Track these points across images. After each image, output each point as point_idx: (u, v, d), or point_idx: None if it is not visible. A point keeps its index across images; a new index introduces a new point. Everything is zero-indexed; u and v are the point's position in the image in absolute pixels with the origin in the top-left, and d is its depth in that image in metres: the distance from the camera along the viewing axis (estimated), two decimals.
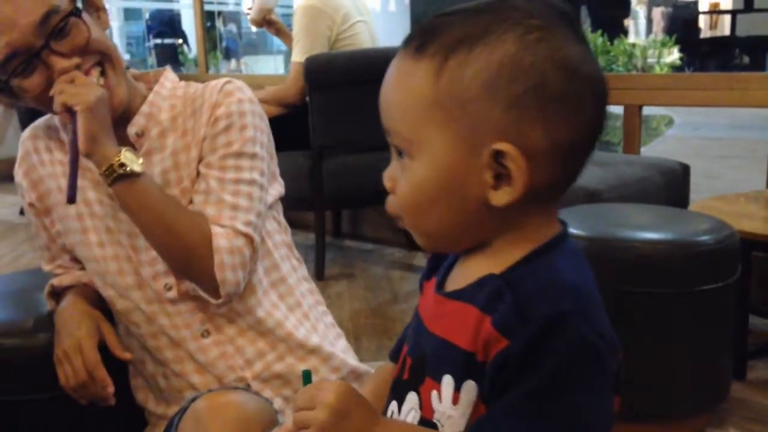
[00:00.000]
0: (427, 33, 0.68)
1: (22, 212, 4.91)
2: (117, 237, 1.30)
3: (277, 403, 1.26)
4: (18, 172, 1.38)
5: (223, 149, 1.27)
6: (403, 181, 0.70)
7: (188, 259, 1.22)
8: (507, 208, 0.67)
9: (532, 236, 0.69)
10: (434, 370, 0.70)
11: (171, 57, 10.89)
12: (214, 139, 1.28)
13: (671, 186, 3.01)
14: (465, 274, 0.72)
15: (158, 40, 10.82)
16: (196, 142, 1.29)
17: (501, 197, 0.66)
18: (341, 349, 1.39)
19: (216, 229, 1.22)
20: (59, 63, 1.19)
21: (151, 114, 1.31)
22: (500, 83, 0.64)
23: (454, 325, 0.69)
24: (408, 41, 0.70)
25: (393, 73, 0.71)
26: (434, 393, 0.69)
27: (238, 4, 15.98)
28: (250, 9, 3.71)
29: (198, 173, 1.29)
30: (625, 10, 12.28)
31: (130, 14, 15.21)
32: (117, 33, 13.35)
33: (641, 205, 2.40)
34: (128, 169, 1.17)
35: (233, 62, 11.80)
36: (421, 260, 3.59)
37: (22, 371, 1.45)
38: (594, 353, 0.63)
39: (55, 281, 1.43)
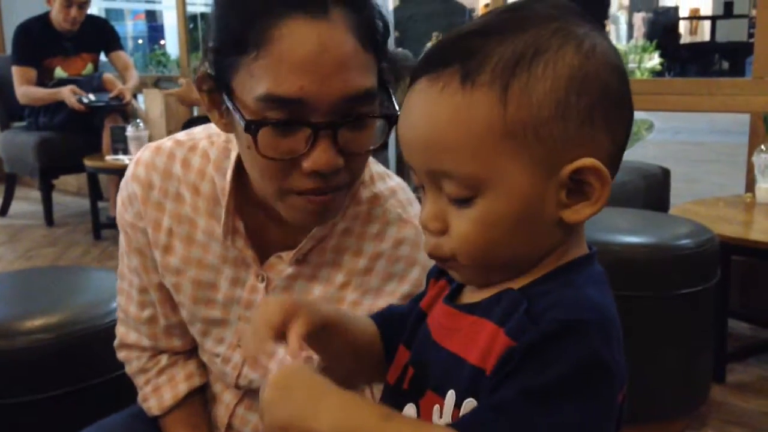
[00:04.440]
0: (467, 59, 0.62)
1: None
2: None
3: None
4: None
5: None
6: (468, 220, 0.64)
7: None
8: (579, 223, 0.64)
9: (563, 253, 0.66)
10: (438, 384, 0.67)
11: None
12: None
13: (652, 190, 3.03)
14: (482, 288, 0.69)
15: None
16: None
17: (580, 212, 0.63)
18: None
19: None
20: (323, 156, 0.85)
21: (333, 227, 1.02)
22: (570, 99, 0.61)
23: (466, 339, 0.66)
24: (439, 72, 0.63)
25: (434, 110, 0.63)
26: (436, 408, 0.66)
27: None
28: None
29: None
30: (605, 14, 12.33)
31: (112, 15, 15.13)
32: None
33: (621, 208, 2.41)
34: None
35: None
36: None
37: (15, 373, 1.44)
38: (603, 373, 0.59)
39: (154, 407, 1.16)
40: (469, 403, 0.63)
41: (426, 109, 0.64)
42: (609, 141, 0.64)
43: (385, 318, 0.83)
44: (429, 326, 0.73)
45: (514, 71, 0.61)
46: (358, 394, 0.67)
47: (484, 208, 0.63)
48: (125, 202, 1.07)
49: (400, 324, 0.79)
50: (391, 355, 0.79)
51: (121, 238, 1.11)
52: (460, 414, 0.64)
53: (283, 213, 0.93)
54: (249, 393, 1.14)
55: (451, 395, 0.65)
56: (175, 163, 1.04)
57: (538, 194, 0.62)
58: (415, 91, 0.65)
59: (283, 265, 1.04)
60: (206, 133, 1.06)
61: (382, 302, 1.03)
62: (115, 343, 1.20)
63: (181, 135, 1.07)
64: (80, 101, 4.22)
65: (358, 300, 1.04)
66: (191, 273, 1.05)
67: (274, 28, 0.82)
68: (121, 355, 1.20)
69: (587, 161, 0.62)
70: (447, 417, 0.65)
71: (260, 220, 1.02)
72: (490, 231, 0.64)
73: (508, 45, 0.62)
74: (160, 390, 1.16)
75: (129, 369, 1.19)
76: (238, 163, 0.98)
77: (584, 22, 0.65)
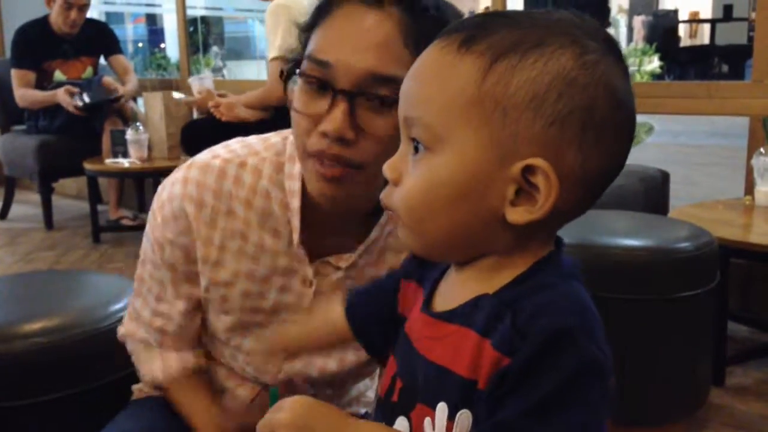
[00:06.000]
0: (474, 29, 0.65)
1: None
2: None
3: None
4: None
5: None
6: (416, 175, 0.66)
7: None
8: (520, 226, 0.64)
9: (529, 255, 0.66)
10: (428, 396, 0.67)
11: None
12: None
13: (651, 193, 3.04)
14: (456, 292, 0.69)
15: None
16: None
17: (520, 215, 0.63)
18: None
19: None
20: (335, 122, 0.90)
21: (383, 228, 1.08)
22: (549, 97, 0.61)
23: (449, 350, 0.66)
24: (448, 35, 0.66)
25: (428, 64, 0.67)
26: (427, 420, 0.66)
27: (219, 9, 15.95)
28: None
29: None
30: (606, 18, 12.36)
31: (112, 18, 15.13)
32: None
33: (621, 211, 2.41)
34: None
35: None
36: None
37: (14, 376, 1.44)
38: (599, 372, 0.60)
39: (160, 375, 1.18)
40: (464, 415, 0.63)
41: (422, 62, 0.68)
42: (576, 159, 0.63)
43: (357, 317, 0.86)
44: (409, 335, 0.73)
45: (508, 52, 0.63)
46: (374, 422, 0.71)
47: (433, 166, 0.65)
48: (167, 218, 1.08)
49: (376, 324, 0.83)
50: (374, 350, 0.85)
51: (146, 246, 1.14)
52: (455, 426, 0.64)
53: (307, 183, 0.99)
54: (267, 388, 1.17)
55: (442, 407, 0.65)
56: (226, 181, 1.06)
57: (485, 176, 0.63)
58: (425, 49, 0.69)
59: (330, 269, 1.09)
60: (251, 150, 1.09)
61: None
62: (120, 332, 1.23)
63: (224, 152, 1.09)
64: (75, 104, 4.21)
65: None
66: (241, 285, 1.09)
67: (335, 8, 0.94)
68: (122, 333, 1.23)
69: (539, 161, 0.62)
70: (440, 429, 0.65)
71: (311, 228, 1.06)
72: (430, 193, 0.65)
73: (517, 30, 0.64)
74: (168, 358, 1.18)
75: (132, 344, 1.22)
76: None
77: (603, 43, 0.65)
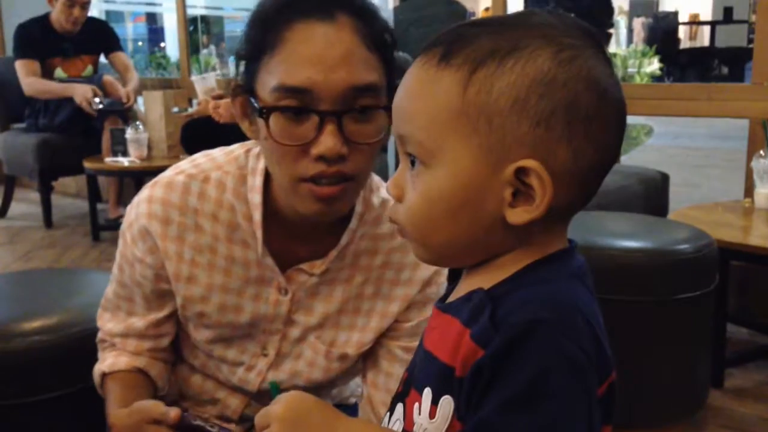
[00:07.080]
0: (452, 43, 0.66)
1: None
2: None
3: None
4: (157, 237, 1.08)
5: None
6: (414, 190, 0.68)
7: None
8: (522, 226, 0.65)
9: (534, 252, 0.67)
10: (419, 382, 0.69)
11: None
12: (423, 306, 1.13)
13: (650, 195, 3.04)
14: (462, 288, 0.71)
15: None
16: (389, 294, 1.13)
17: (520, 216, 0.64)
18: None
19: None
20: (329, 141, 0.93)
21: (354, 233, 1.09)
22: (531, 99, 0.63)
23: (438, 337, 0.68)
24: (429, 50, 0.68)
25: (412, 81, 0.68)
26: (416, 405, 0.68)
27: (219, 8, 15.96)
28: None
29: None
30: (610, 18, 12.34)
31: (112, 17, 15.13)
32: None
33: (621, 213, 2.41)
34: None
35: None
36: None
37: (13, 375, 1.44)
38: (572, 367, 0.59)
39: (106, 367, 1.18)
40: (446, 400, 0.65)
41: (406, 80, 0.69)
42: (567, 154, 0.64)
43: None
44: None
45: (486, 60, 0.64)
46: (365, 420, 0.70)
47: (429, 182, 0.67)
48: (135, 237, 1.09)
49: None
50: None
51: (119, 264, 1.14)
52: (438, 410, 0.66)
53: (297, 205, 0.99)
54: (256, 397, 1.18)
55: (427, 392, 0.67)
56: (190, 197, 1.07)
57: (481, 184, 0.65)
58: (409, 69, 0.70)
59: (304, 276, 1.09)
60: (215, 164, 1.10)
61: (394, 307, 1.12)
62: (98, 336, 1.24)
63: (188, 167, 1.10)
64: (95, 106, 4.19)
65: (376, 293, 1.12)
66: (216, 299, 1.10)
67: (287, 30, 0.93)
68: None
69: (530, 162, 0.63)
70: (425, 414, 0.67)
71: (280, 238, 1.07)
72: (430, 206, 0.67)
73: (492, 37, 0.65)
74: (121, 355, 1.18)
75: (99, 334, 1.23)
76: (263, 185, 1.05)
77: (581, 37, 0.66)
